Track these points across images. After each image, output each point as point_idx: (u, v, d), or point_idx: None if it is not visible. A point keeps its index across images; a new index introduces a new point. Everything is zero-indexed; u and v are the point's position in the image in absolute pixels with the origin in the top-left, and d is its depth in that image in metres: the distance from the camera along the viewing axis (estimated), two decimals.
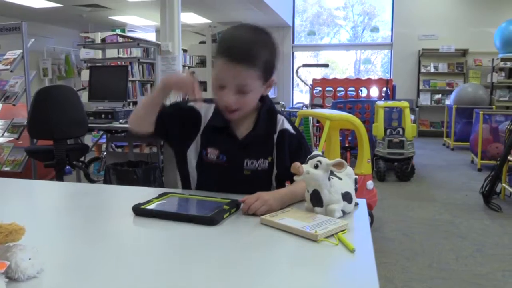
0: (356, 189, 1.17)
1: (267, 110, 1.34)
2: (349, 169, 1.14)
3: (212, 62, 0.99)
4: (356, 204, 1.17)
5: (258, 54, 1.19)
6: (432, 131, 9.66)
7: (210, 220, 1.03)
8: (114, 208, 1.28)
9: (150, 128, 1.31)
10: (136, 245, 0.95)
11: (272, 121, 1.34)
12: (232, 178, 1.31)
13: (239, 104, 1.23)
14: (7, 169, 4.04)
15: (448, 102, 8.89)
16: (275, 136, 1.33)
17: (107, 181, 3.54)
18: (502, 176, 4.08)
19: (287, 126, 1.35)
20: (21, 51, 4.02)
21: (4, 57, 4.11)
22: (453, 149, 7.54)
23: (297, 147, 1.34)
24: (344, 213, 1.09)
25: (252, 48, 1.18)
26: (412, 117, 6.01)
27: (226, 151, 1.31)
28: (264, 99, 1.35)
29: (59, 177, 3.56)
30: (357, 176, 1.20)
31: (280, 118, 1.35)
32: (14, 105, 3.96)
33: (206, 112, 1.35)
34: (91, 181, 4.66)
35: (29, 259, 0.73)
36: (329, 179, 1.07)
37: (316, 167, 1.05)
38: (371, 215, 3.30)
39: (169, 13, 4.43)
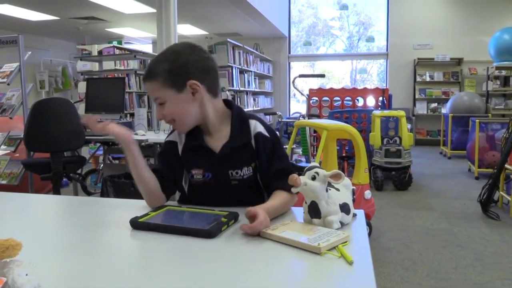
0: (353, 200, 1.17)
1: (237, 117, 1.35)
2: (346, 180, 1.14)
3: None
4: (354, 215, 1.17)
5: (156, 68, 1.27)
6: (428, 140, 9.69)
7: (208, 233, 1.03)
8: (112, 221, 1.27)
9: (162, 200, 1.33)
10: (133, 259, 0.95)
11: (245, 127, 1.34)
12: (222, 191, 1.32)
13: (166, 116, 1.29)
14: (4, 182, 4.02)
15: (444, 110, 8.92)
16: (253, 142, 1.33)
17: (104, 193, 3.52)
18: (499, 184, 4.09)
19: (260, 128, 1.34)
20: (18, 64, 4.02)
21: (1, 70, 4.11)
22: (450, 158, 7.55)
23: (271, 150, 1.33)
24: (342, 224, 1.09)
25: (151, 66, 1.30)
26: (409, 126, 6.04)
27: (209, 168, 1.32)
28: (231, 106, 1.37)
29: (56, 190, 3.54)
30: (354, 187, 1.20)
31: (252, 122, 1.35)
32: (10, 118, 3.95)
33: (180, 137, 1.38)
34: (88, 193, 4.64)
35: (26, 275, 0.73)
36: (326, 190, 1.07)
37: (313, 178, 1.05)
38: (369, 225, 3.29)
39: (165, 25, 4.45)
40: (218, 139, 1.33)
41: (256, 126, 1.34)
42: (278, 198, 1.23)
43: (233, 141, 1.31)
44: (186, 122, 1.31)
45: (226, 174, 1.31)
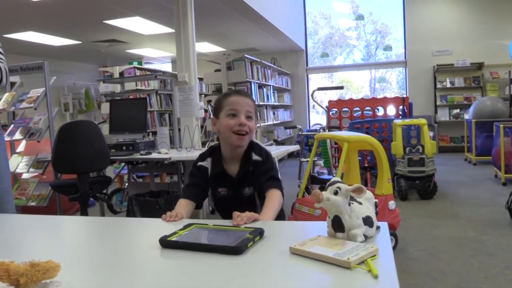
0: (376, 213, 1.18)
1: (247, 152, 1.81)
2: (368, 194, 1.16)
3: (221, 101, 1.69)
4: (378, 227, 1.18)
5: (249, 96, 1.85)
6: (452, 147, 9.54)
7: (235, 249, 1.05)
8: (142, 241, 1.31)
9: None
10: (166, 278, 0.97)
11: (248, 158, 1.81)
12: (236, 203, 1.76)
13: (248, 127, 1.73)
14: (33, 203, 4.13)
15: (467, 116, 8.79)
16: (251, 168, 1.80)
17: (130, 212, 3.59)
18: None
19: (255, 158, 1.80)
20: (44, 89, 4.15)
21: (28, 95, 4.26)
22: (476, 164, 7.42)
23: (263, 166, 1.77)
24: (366, 237, 1.10)
25: (245, 92, 1.92)
26: (431, 133, 5.97)
27: (230, 188, 1.83)
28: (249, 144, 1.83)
29: (84, 210, 3.62)
30: (377, 200, 1.22)
31: (252, 154, 1.81)
32: (38, 141, 4.07)
33: (207, 165, 1.85)
34: (114, 212, 4.72)
35: None
36: (349, 204, 1.09)
37: (335, 193, 1.07)
38: (395, 235, 3.26)
39: (184, 44, 4.54)
40: (232, 166, 1.82)
41: (252, 157, 1.80)
42: (270, 200, 1.63)
43: (241, 170, 1.81)
44: (250, 139, 1.78)
45: (241, 192, 1.82)
